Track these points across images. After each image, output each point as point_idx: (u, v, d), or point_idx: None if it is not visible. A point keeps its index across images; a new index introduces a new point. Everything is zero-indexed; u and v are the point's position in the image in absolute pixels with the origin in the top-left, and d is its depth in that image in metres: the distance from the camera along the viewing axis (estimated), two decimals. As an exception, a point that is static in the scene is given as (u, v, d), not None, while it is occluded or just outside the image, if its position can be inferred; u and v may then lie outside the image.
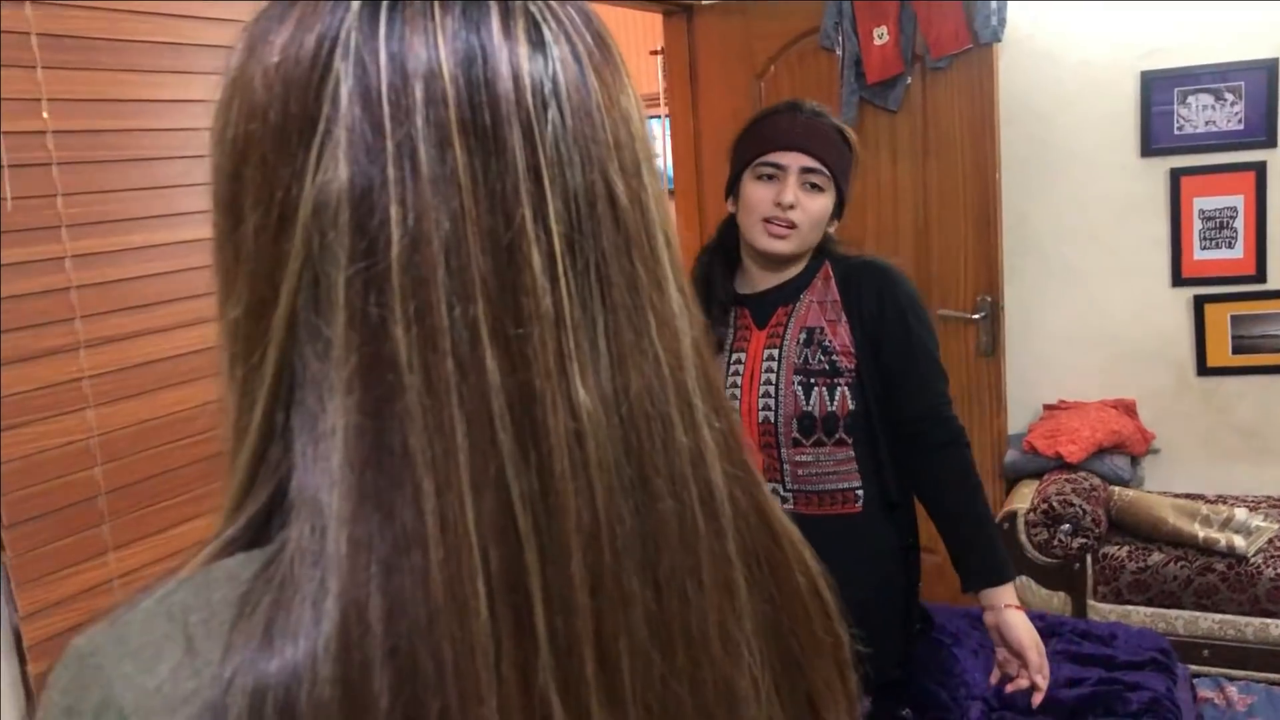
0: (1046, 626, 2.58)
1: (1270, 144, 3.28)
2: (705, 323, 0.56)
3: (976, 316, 3.33)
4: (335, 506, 0.42)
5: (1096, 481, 3.18)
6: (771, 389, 1.75)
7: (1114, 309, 3.53)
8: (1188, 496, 3.29)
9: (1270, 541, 2.94)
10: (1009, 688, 1.76)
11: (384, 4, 0.45)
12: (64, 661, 0.44)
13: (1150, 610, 2.97)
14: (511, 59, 0.45)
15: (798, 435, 1.74)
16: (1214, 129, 3.32)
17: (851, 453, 1.75)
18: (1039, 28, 3.46)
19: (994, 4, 3.14)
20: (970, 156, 3.28)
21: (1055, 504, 3.00)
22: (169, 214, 1.78)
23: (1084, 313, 3.56)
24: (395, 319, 0.43)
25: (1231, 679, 2.73)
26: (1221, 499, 3.28)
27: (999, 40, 3.19)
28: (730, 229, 1.84)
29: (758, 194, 1.74)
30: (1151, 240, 3.45)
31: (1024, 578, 3.09)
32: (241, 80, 0.47)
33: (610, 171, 0.48)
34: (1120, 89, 3.42)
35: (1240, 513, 3.03)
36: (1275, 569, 2.85)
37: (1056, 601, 3.06)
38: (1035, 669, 1.70)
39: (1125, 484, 3.28)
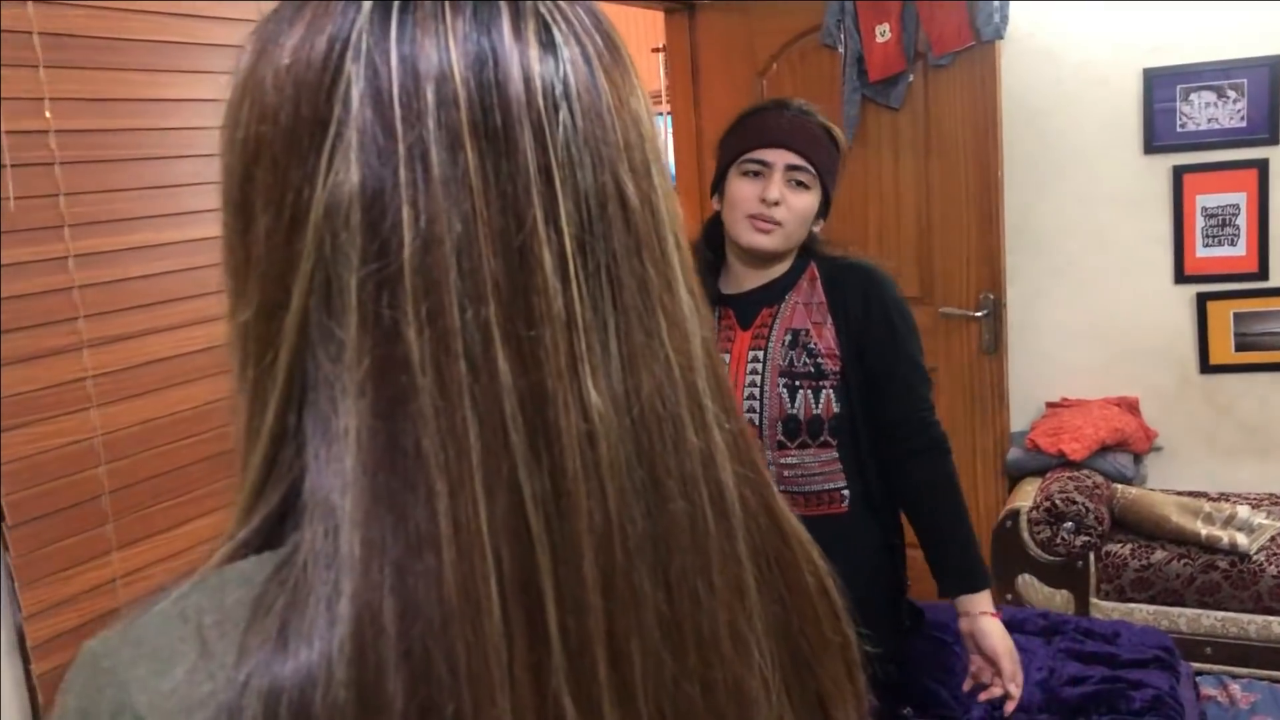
0: (1050, 625, 2.58)
1: (1273, 141, 3.27)
2: (714, 322, 0.56)
3: (979, 314, 3.33)
4: (348, 508, 0.42)
5: (1099, 479, 3.18)
6: (756, 391, 1.74)
7: (1117, 306, 3.52)
8: (1190, 494, 3.29)
9: (1273, 539, 2.94)
10: (982, 696, 1.75)
11: (395, 6, 0.45)
12: (78, 665, 0.44)
13: (1153, 608, 2.97)
14: (522, 61, 0.45)
15: (783, 438, 1.73)
16: (1216, 126, 3.32)
17: (836, 454, 1.74)
18: (1041, 25, 3.46)
19: (996, 1, 3.14)
20: (972, 154, 3.28)
21: (1058, 502, 3.00)
22: (171, 213, 1.78)
23: (1087, 310, 3.56)
24: (408, 321, 0.43)
25: (1234, 677, 2.73)
26: (1224, 496, 3.28)
27: (1001, 38, 3.19)
28: (715, 228, 1.83)
29: (743, 190, 1.73)
30: (1154, 238, 3.45)
31: (1027, 576, 3.09)
32: (252, 82, 0.47)
33: (621, 173, 0.48)
34: (1123, 86, 3.41)
35: (1243, 510, 3.04)
36: (1278, 566, 2.85)
37: (1059, 599, 3.06)
38: (1009, 677, 1.70)
39: (1128, 482, 3.28)
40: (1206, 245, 3.39)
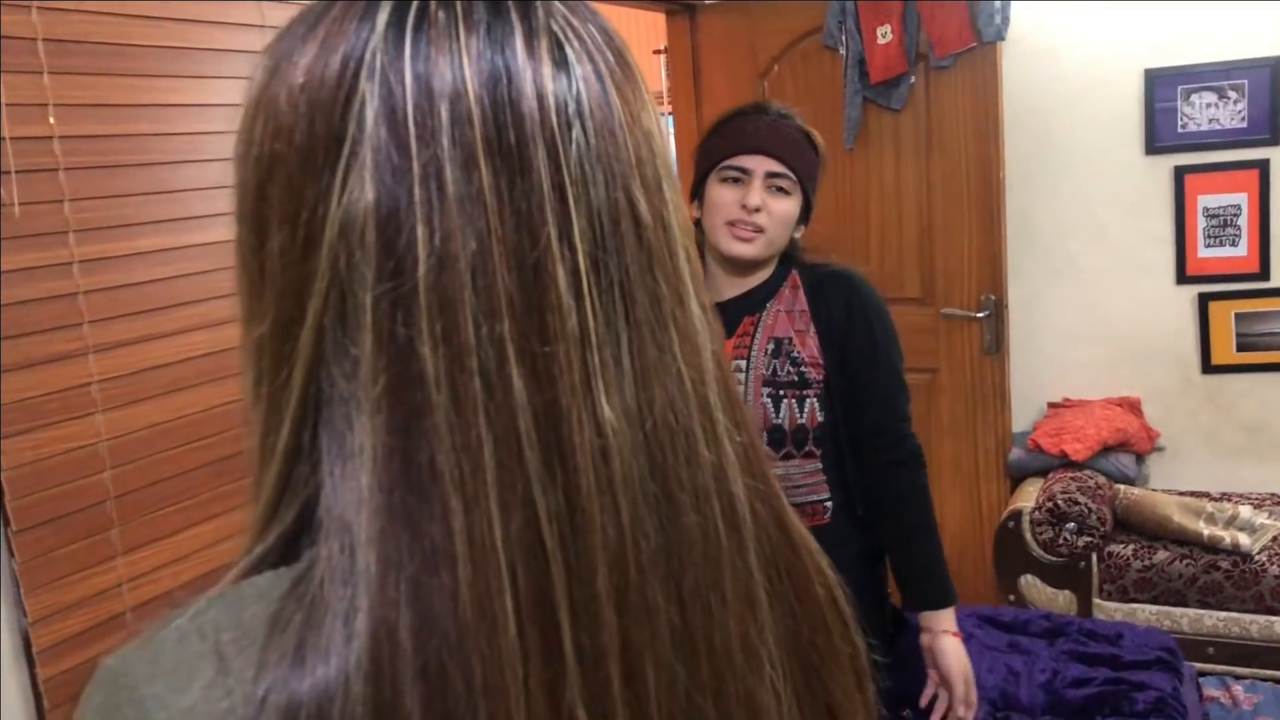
0: (1053, 627, 2.58)
1: (1274, 142, 3.28)
2: (724, 334, 0.56)
3: (981, 315, 3.33)
4: (364, 525, 0.43)
5: (1101, 480, 3.18)
6: None
7: (1118, 307, 3.53)
8: (1192, 494, 3.29)
9: (1275, 539, 2.95)
10: (934, 716, 1.74)
11: (409, 24, 0.45)
12: (96, 682, 0.44)
13: (1156, 608, 2.97)
14: (536, 79, 0.45)
15: (767, 449, 1.71)
16: (1218, 127, 3.32)
17: (820, 464, 1.73)
18: (1042, 26, 3.46)
19: (997, 3, 3.14)
20: (974, 155, 3.28)
21: (1060, 502, 3.01)
22: (176, 218, 1.78)
23: (1088, 311, 3.57)
24: (423, 338, 0.43)
25: (1237, 677, 2.73)
26: (1226, 497, 3.29)
27: (1002, 39, 3.19)
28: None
29: (723, 197, 1.71)
30: (1155, 238, 3.45)
31: (1029, 576, 3.09)
32: (266, 99, 0.47)
33: (633, 189, 0.48)
34: (1124, 87, 3.41)
35: (1245, 510, 3.04)
36: None
37: (1062, 600, 3.06)
38: (959, 698, 1.70)
39: (1130, 482, 3.29)
40: (1208, 245, 3.39)
